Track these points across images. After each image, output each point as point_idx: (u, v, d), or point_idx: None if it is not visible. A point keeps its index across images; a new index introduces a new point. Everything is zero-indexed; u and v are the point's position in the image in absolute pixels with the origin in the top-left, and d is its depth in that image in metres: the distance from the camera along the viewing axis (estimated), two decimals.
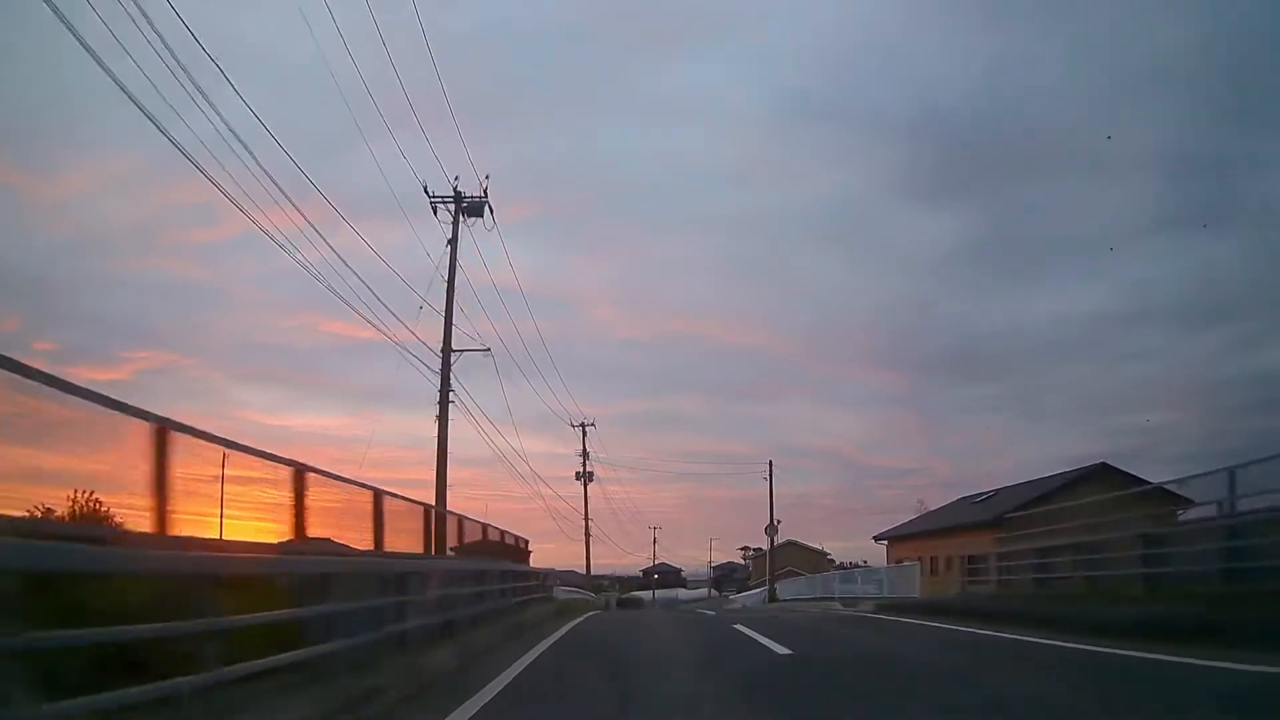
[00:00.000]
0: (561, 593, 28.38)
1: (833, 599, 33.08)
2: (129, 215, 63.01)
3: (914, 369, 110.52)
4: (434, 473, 26.10)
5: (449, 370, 26.56)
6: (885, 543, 41.84)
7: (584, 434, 58.32)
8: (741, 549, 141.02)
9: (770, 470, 54.83)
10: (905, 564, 28.85)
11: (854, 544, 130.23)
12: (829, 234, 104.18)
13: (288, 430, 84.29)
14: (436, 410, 26.24)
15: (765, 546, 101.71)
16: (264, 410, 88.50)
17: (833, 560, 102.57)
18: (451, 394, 26.38)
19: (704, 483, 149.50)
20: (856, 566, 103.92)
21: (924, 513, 49.15)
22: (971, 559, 32.76)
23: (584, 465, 57.60)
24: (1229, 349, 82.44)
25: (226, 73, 12.63)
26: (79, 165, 56.22)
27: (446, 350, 26.80)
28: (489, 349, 27.33)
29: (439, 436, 26.08)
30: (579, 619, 18.35)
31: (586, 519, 58.44)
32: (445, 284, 27.30)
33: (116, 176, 58.01)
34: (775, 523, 56.07)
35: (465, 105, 78.70)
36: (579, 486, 59.71)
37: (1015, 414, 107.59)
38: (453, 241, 28.03)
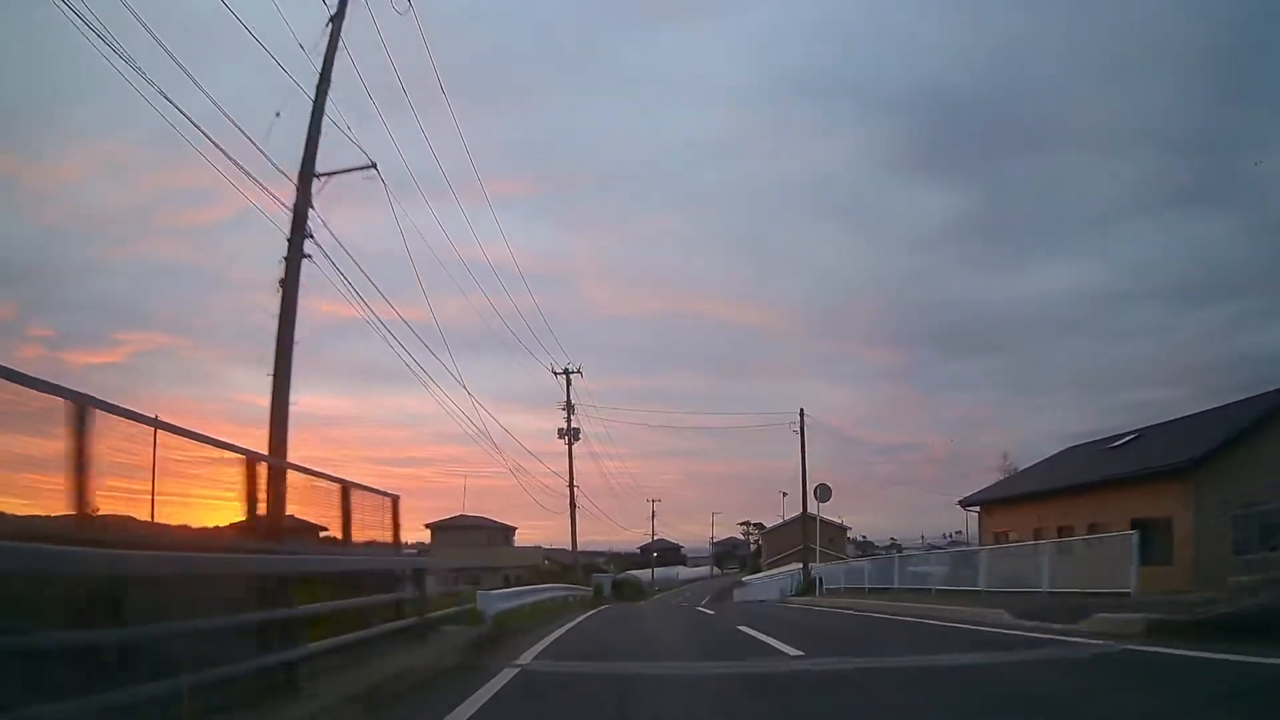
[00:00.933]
0: (501, 599, 16.72)
1: (925, 591, 22.01)
2: (121, 199, 63.76)
3: (910, 344, 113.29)
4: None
5: (307, 202, 15.23)
6: (975, 510, 30.70)
7: (568, 382, 47.11)
8: (742, 524, 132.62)
9: (801, 421, 43.85)
10: (1100, 538, 17.50)
11: (858, 519, 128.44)
12: (826, 209, 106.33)
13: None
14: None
15: (782, 518, 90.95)
16: (259, 391, 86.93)
17: (848, 532, 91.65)
18: (311, 240, 15.06)
19: (701, 458, 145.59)
20: (871, 542, 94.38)
21: (1013, 472, 38.16)
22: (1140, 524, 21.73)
23: (568, 420, 46.40)
24: (1228, 327, 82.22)
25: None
26: (70, 152, 57.23)
27: (306, 173, 15.47)
28: (373, 164, 16.09)
29: (281, 318, 14.77)
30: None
31: (571, 486, 47.28)
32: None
33: (108, 162, 58.50)
34: (807, 487, 44.90)
35: (453, 82, 73.35)
36: (574, 459, 48.35)
37: (1014, 387, 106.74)
38: (337, 18, 16.71)
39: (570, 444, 46.37)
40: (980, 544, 28.90)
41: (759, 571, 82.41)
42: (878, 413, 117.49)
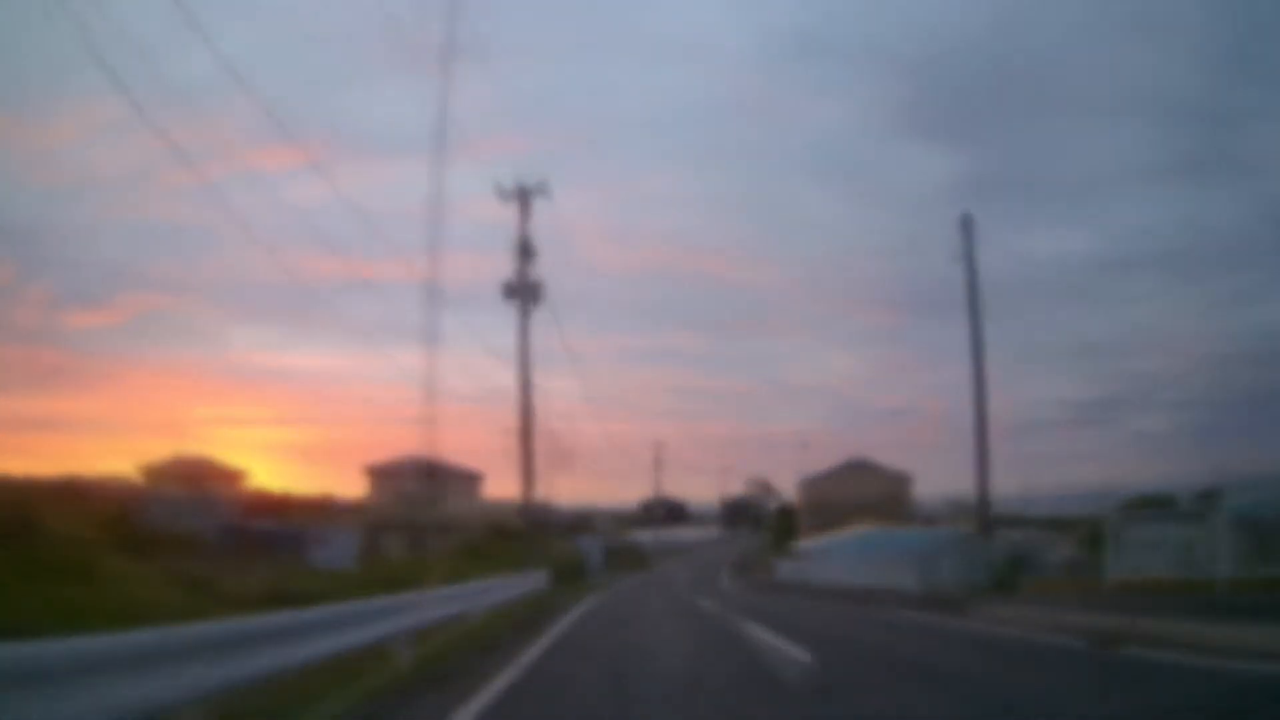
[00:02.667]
0: None
1: None
2: (119, 159, 62.75)
3: (908, 307, 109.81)
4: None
5: None
6: None
7: (524, 205, 26.67)
8: (751, 481, 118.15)
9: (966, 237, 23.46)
10: None
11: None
12: (825, 170, 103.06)
13: (285, 369, 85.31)
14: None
15: (802, 476, 70.99)
16: (259, 348, 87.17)
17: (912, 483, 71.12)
18: None
19: (697, 418, 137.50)
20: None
21: None
22: None
23: (520, 261, 25.84)
24: (1224, 299, 78.22)
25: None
26: (67, 112, 53.22)
27: None
28: None
29: None
30: None
31: (525, 382, 26.76)
32: None
33: (105, 121, 49.99)
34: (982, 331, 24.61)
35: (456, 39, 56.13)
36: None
37: (1008, 353, 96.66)
38: None
39: (525, 309, 25.95)
40: None
41: (792, 536, 62.53)
42: (875, 376, 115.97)
